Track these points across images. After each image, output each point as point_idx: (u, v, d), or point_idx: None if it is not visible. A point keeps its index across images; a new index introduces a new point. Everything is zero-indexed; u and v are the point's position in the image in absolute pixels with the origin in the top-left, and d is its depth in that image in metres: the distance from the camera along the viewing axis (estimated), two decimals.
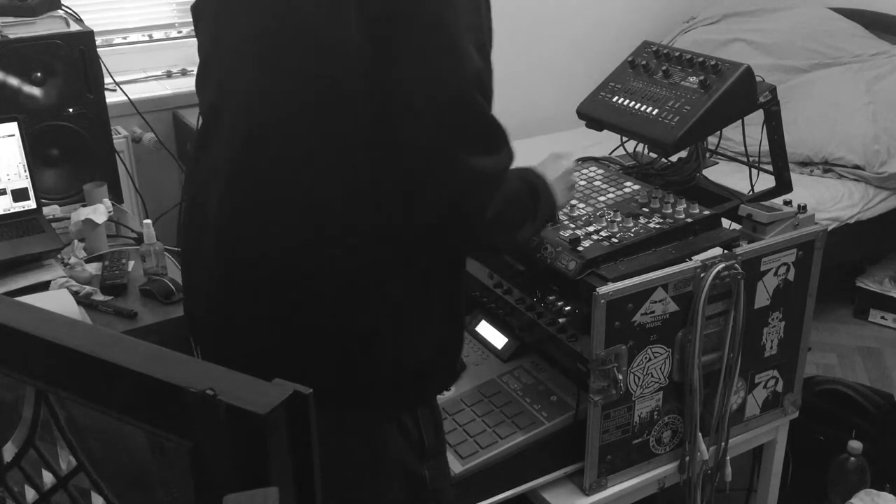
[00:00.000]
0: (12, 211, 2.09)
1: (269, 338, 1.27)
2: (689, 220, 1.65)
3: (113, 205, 2.13)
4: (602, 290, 1.49)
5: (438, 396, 1.45)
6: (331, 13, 1.14)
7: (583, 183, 1.85)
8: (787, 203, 1.73)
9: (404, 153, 1.15)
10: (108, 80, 2.44)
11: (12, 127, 2.07)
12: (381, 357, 1.26)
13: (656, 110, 1.71)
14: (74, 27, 2.35)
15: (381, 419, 1.32)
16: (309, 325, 1.24)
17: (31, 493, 0.68)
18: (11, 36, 2.21)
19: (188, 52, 2.98)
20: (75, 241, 2.04)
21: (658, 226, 1.63)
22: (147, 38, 3.11)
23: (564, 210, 1.71)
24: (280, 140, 1.21)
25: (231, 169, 1.26)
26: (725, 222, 1.72)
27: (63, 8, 2.41)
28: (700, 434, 1.69)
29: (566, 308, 1.59)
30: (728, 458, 1.75)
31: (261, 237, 1.25)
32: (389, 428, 1.33)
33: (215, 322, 1.34)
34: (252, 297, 1.28)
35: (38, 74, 2.21)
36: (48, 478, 0.67)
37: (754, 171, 1.86)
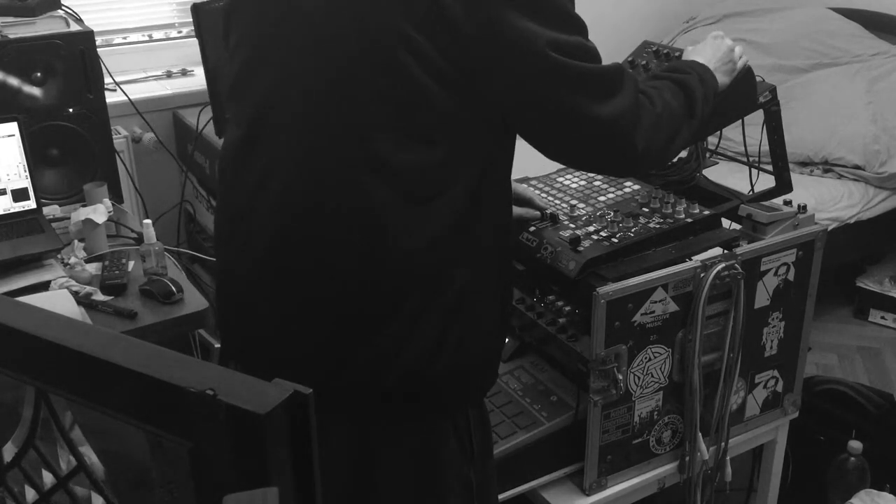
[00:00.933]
0: (12, 211, 2.09)
1: (335, 349, 1.24)
2: (689, 220, 1.65)
3: (113, 205, 2.13)
4: (602, 290, 1.49)
5: None
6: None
7: (582, 183, 1.85)
8: (787, 203, 1.73)
9: (519, 130, 1.23)
10: (108, 80, 2.44)
11: (12, 127, 2.07)
12: (450, 350, 1.24)
13: None
14: (74, 27, 2.35)
15: (440, 420, 1.31)
16: (378, 320, 1.22)
17: (31, 493, 0.68)
18: (11, 36, 2.21)
19: (188, 52, 2.98)
20: (75, 241, 2.04)
21: (658, 226, 1.63)
22: (147, 38, 3.11)
23: (564, 210, 1.72)
24: (349, 138, 1.18)
25: (289, 176, 1.22)
26: (725, 222, 1.72)
27: (63, 8, 2.41)
28: (700, 434, 1.69)
29: (566, 308, 1.59)
30: (728, 458, 1.75)
31: (324, 244, 1.22)
32: (445, 431, 1.31)
33: (267, 335, 1.30)
34: (313, 309, 1.25)
35: (38, 74, 2.21)
36: (48, 478, 0.67)
37: (754, 171, 1.86)
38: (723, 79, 1.48)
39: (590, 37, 1.27)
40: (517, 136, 1.30)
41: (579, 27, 1.21)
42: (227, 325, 1.41)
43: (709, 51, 1.49)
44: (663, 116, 1.30)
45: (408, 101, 1.16)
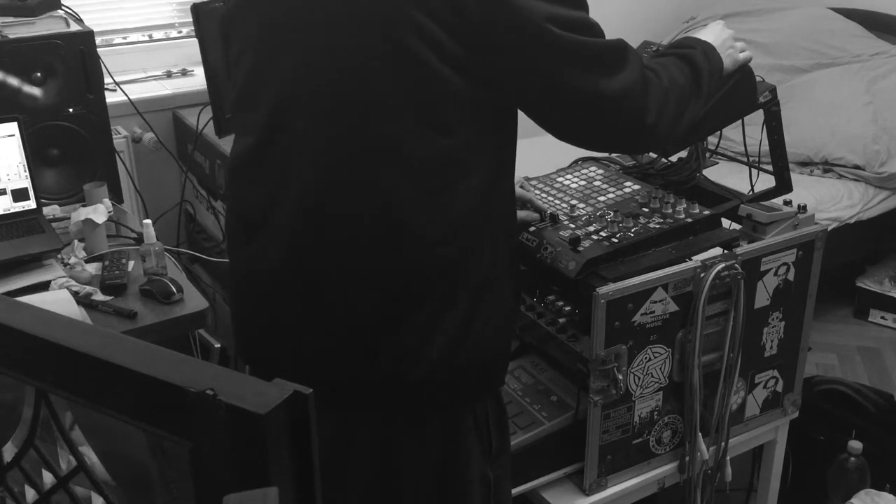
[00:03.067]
0: (12, 211, 2.09)
1: (362, 347, 1.25)
2: (689, 220, 1.65)
3: (113, 205, 2.13)
4: (602, 290, 1.49)
5: None
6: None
7: (583, 183, 1.85)
8: (787, 203, 1.73)
9: (530, 111, 1.24)
10: (108, 80, 2.44)
11: (12, 127, 2.07)
12: (475, 339, 1.25)
13: None
14: (74, 27, 2.35)
15: (463, 413, 1.31)
16: (402, 314, 1.23)
17: (31, 493, 0.68)
18: (11, 36, 2.21)
19: (188, 52, 2.98)
20: (75, 241, 2.04)
21: (658, 226, 1.63)
22: (147, 38, 3.11)
23: (564, 210, 1.72)
24: (365, 132, 1.18)
25: (307, 178, 1.22)
26: (725, 222, 1.72)
27: (63, 8, 2.41)
28: (700, 434, 1.69)
29: (566, 308, 1.59)
30: (728, 458, 1.75)
31: (346, 244, 1.22)
32: (467, 425, 1.32)
33: (292, 341, 1.30)
34: (338, 310, 1.25)
35: (38, 74, 2.21)
36: (48, 478, 0.67)
37: (754, 171, 1.86)
38: (727, 64, 1.48)
39: None
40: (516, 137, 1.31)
41: (580, 3, 1.22)
42: (246, 333, 1.41)
43: (711, 34, 1.50)
44: (671, 90, 1.30)
45: (423, 88, 1.16)
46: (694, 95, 1.36)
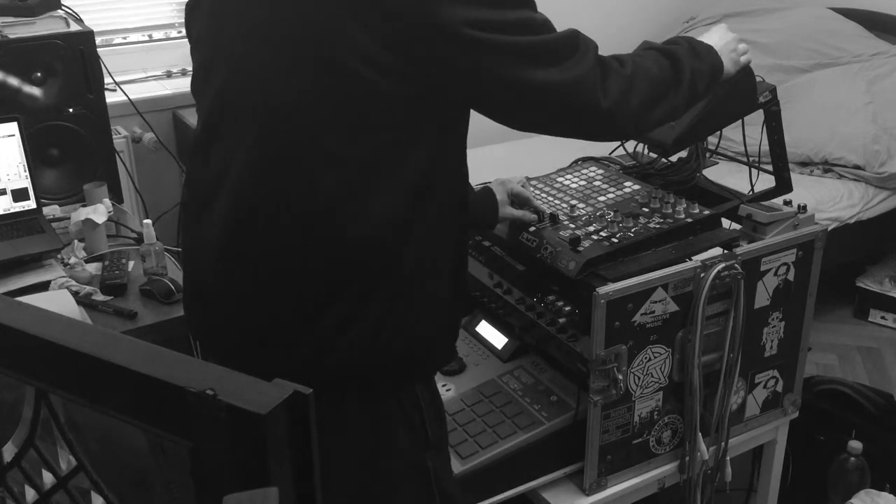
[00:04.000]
0: (12, 211, 2.09)
1: (285, 332, 1.27)
2: (689, 220, 1.65)
3: (113, 205, 2.13)
4: (602, 290, 1.49)
5: None
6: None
7: (583, 183, 1.85)
8: (787, 203, 1.73)
9: (479, 110, 1.25)
10: (108, 80, 2.44)
11: (12, 127, 2.07)
12: (392, 326, 1.26)
13: None
14: (74, 27, 2.35)
15: (386, 402, 1.32)
16: (324, 302, 1.25)
17: (31, 493, 0.68)
18: (11, 36, 2.21)
19: (188, 52, 2.97)
20: (75, 241, 2.04)
21: (658, 226, 1.63)
22: (147, 38, 3.12)
23: (564, 210, 1.72)
24: (298, 136, 1.21)
25: (243, 169, 1.26)
26: (725, 222, 1.72)
27: (63, 8, 2.41)
28: (700, 434, 1.69)
29: (566, 308, 1.59)
30: (728, 458, 1.75)
31: (274, 233, 1.25)
32: (393, 415, 1.33)
33: (224, 318, 1.35)
34: (263, 294, 1.28)
35: (38, 74, 2.21)
36: (48, 478, 0.67)
37: (754, 171, 1.86)
38: (728, 66, 1.49)
39: (591, 37, 1.28)
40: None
41: (514, 3, 1.22)
42: (190, 309, 1.45)
43: (715, 36, 1.52)
44: (635, 78, 1.32)
45: (353, 97, 1.18)
46: (672, 87, 1.38)
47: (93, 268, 1.95)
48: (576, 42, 1.27)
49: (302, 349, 1.26)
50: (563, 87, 1.24)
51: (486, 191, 1.68)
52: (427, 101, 1.22)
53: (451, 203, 1.32)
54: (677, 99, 1.39)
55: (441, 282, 1.32)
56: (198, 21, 1.38)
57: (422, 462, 1.37)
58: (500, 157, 3.09)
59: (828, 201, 3.08)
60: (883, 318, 3.30)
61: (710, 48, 1.46)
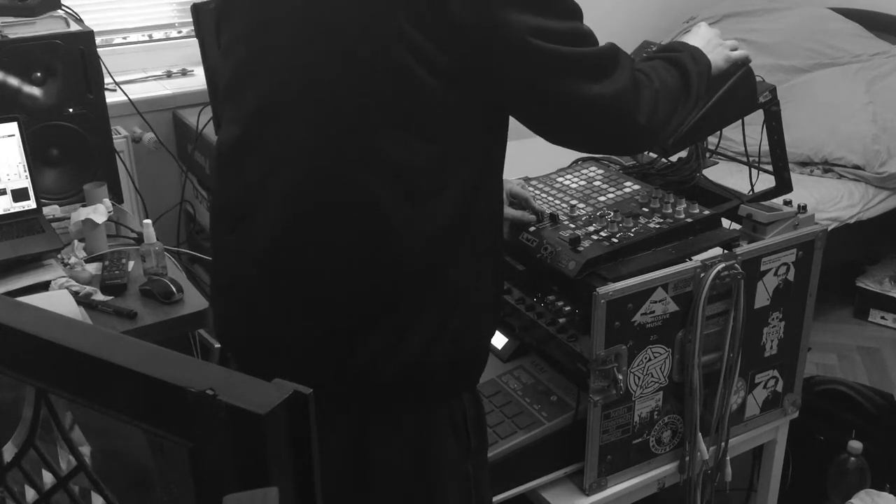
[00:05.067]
0: (12, 211, 2.09)
1: (337, 345, 1.25)
2: (689, 220, 1.65)
3: (113, 205, 2.13)
4: (602, 290, 1.49)
5: None
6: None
7: (583, 183, 1.85)
8: (787, 203, 1.73)
9: (523, 121, 1.26)
10: (108, 80, 2.44)
11: (12, 127, 2.07)
12: (443, 336, 1.25)
13: None
14: (74, 27, 2.35)
15: (436, 412, 1.32)
16: (377, 315, 1.23)
17: (31, 493, 0.68)
18: (11, 36, 2.21)
19: (188, 52, 2.98)
20: (75, 241, 2.04)
21: (658, 226, 1.63)
22: (147, 38, 3.11)
23: (564, 210, 1.72)
24: (349, 139, 1.19)
25: (291, 176, 1.22)
26: (725, 222, 1.72)
27: (63, 8, 2.41)
28: (700, 434, 1.69)
29: (566, 308, 1.59)
30: (728, 458, 1.75)
31: (326, 244, 1.23)
32: (442, 424, 1.32)
33: (269, 335, 1.31)
34: (314, 307, 1.26)
35: (38, 74, 2.21)
36: (48, 478, 0.67)
37: (754, 171, 1.86)
38: (717, 61, 1.49)
39: None
40: (508, 136, 1.31)
41: (571, 12, 1.22)
42: (226, 325, 1.42)
43: (696, 37, 1.52)
44: (661, 92, 1.32)
45: (407, 99, 1.16)
46: (683, 97, 1.38)
47: (93, 268, 1.95)
48: (616, 56, 1.26)
49: (355, 363, 1.24)
50: (604, 101, 1.24)
51: None
52: (473, 108, 1.21)
53: (493, 212, 1.31)
54: (687, 107, 1.40)
55: (486, 288, 1.32)
56: (231, 21, 1.33)
57: (465, 470, 1.36)
58: None
59: (828, 201, 3.08)
60: (883, 318, 3.30)
61: (699, 51, 1.46)
